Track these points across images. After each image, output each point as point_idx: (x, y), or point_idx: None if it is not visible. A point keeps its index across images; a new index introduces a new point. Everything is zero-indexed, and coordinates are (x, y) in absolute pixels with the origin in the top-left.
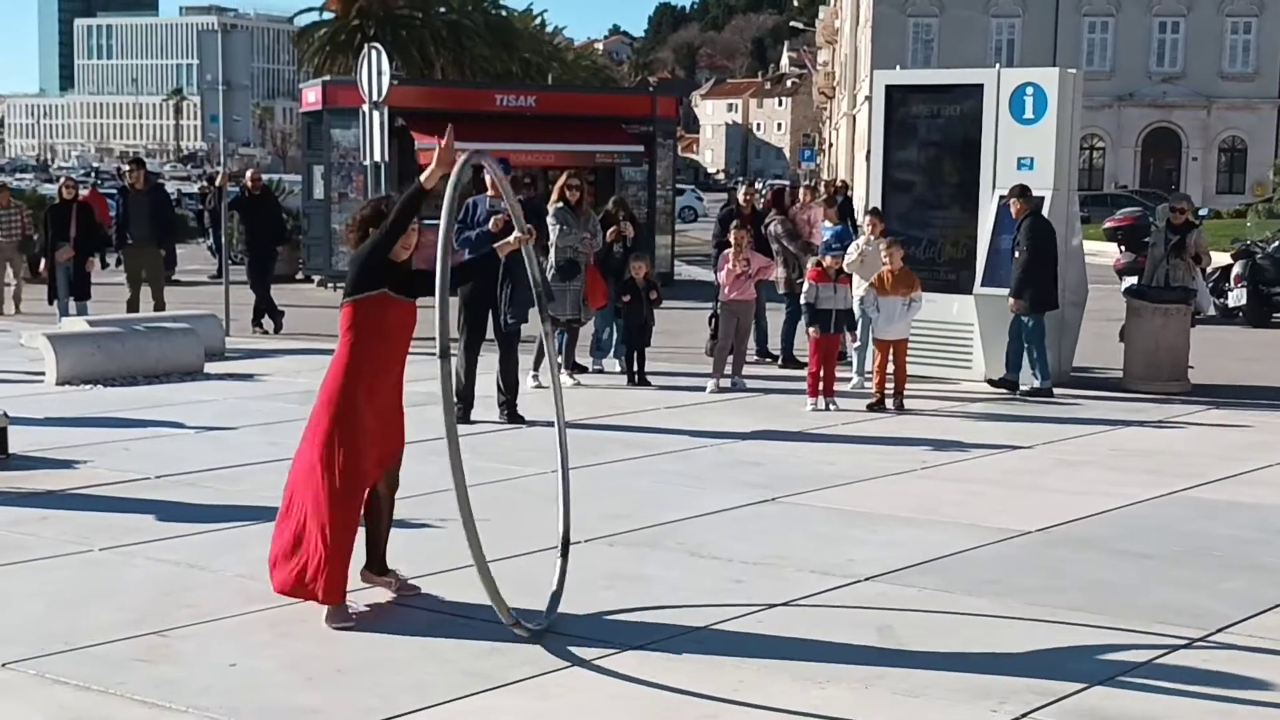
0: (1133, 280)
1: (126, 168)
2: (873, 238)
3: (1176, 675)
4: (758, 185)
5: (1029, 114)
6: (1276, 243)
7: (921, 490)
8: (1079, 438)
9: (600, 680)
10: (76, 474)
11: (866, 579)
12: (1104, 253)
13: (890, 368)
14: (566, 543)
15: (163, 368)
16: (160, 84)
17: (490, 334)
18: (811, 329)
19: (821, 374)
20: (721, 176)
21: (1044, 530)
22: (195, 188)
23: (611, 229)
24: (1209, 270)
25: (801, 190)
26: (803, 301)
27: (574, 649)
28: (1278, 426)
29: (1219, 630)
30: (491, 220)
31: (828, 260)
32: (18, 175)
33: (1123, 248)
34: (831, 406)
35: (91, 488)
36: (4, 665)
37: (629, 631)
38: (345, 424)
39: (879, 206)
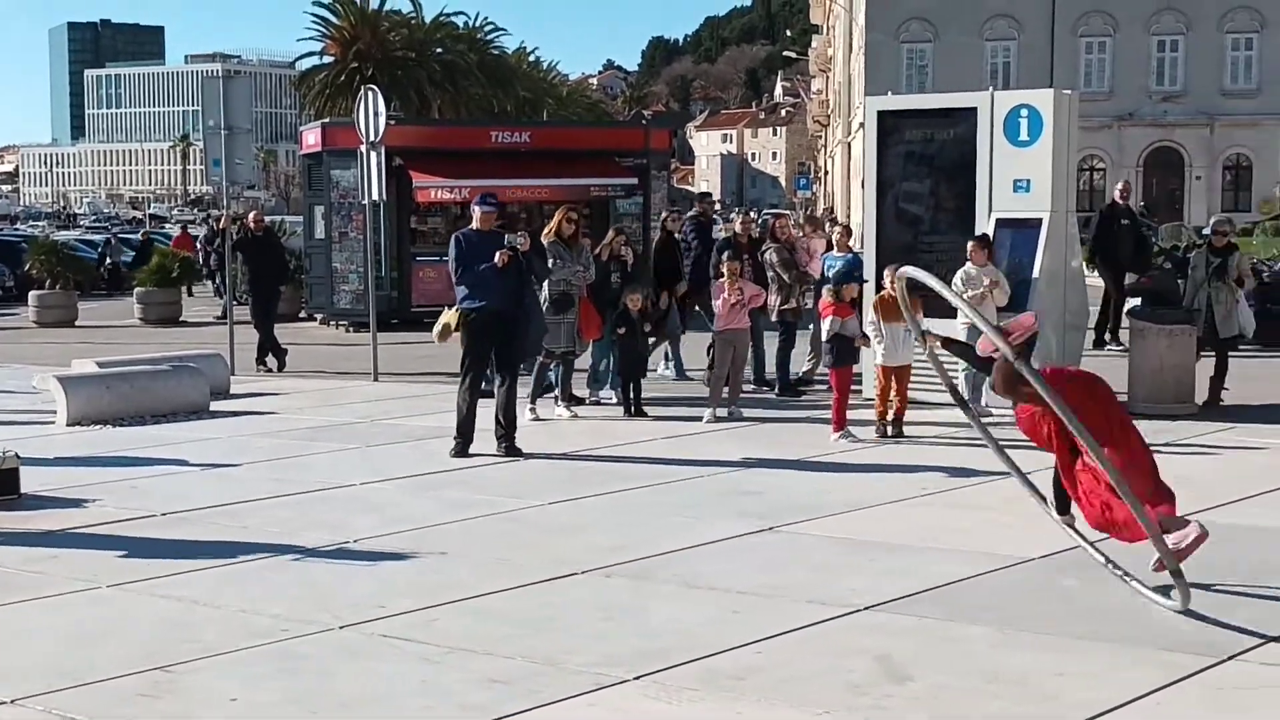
0: (1136, 302)
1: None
2: (976, 266)
3: (1184, 703)
4: (753, 215)
5: (1024, 136)
6: None
7: (923, 518)
8: None
9: (597, 712)
10: (85, 513)
11: (866, 608)
12: None
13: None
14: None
15: (170, 407)
16: (168, 130)
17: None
18: (836, 362)
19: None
20: (718, 206)
21: (1047, 557)
22: (202, 231)
23: (604, 244)
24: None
25: (805, 219)
26: (826, 337)
27: (572, 679)
28: None
29: (1230, 658)
30: (498, 255)
31: (844, 290)
32: (32, 223)
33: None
34: (849, 438)
35: (100, 526)
36: (13, 701)
37: (626, 664)
38: None
39: (987, 234)
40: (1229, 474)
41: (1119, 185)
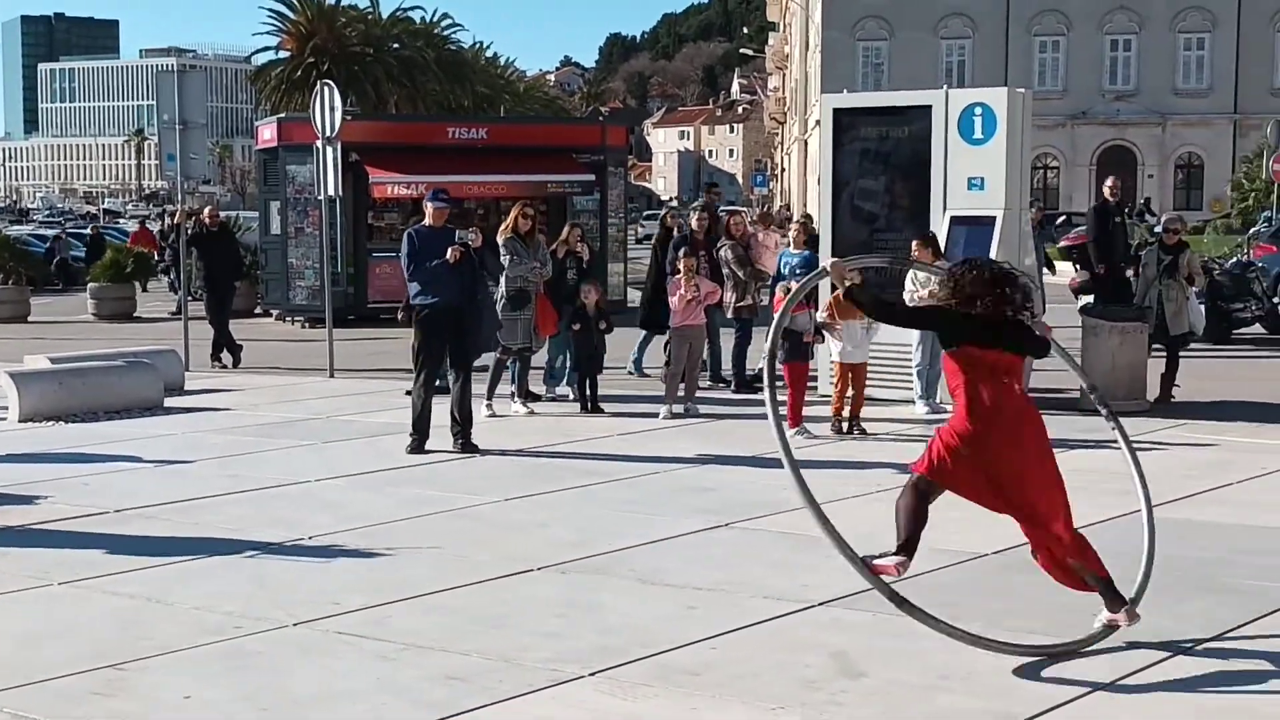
0: (1089, 299)
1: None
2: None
3: (1135, 696)
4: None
5: (978, 134)
6: (1234, 259)
7: (877, 514)
8: None
9: (553, 708)
10: (37, 509)
11: (820, 604)
12: (1060, 271)
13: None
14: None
15: (124, 403)
16: (122, 125)
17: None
18: (787, 357)
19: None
20: (675, 203)
21: (1001, 553)
22: (158, 226)
23: (560, 241)
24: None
25: (759, 216)
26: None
27: (528, 675)
28: (1239, 445)
29: (1180, 653)
30: (450, 251)
31: (794, 285)
32: None
33: (1078, 266)
34: (803, 435)
35: (51, 523)
36: None
37: (581, 660)
38: None
39: (932, 232)
40: (1178, 470)
41: (1108, 183)
